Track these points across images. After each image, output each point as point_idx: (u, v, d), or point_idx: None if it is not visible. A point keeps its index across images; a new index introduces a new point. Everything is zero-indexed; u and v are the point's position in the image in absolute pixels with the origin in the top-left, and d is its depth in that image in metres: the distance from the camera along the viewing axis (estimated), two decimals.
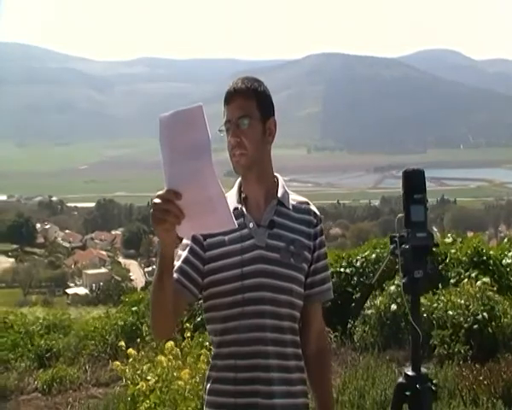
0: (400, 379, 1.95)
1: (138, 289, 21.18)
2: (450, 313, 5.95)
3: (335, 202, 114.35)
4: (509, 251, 7.53)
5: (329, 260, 7.58)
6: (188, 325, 4.42)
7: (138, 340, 5.51)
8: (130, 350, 3.90)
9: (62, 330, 8.85)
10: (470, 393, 4.57)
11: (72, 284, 57.78)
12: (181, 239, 1.79)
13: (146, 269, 60.51)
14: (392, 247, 1.94)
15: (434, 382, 1.90)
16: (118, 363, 3.88)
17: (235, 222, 1.50)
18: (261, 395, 1.75)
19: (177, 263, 1.81)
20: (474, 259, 7.16)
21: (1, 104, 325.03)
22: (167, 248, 1.57)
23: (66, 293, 50.39)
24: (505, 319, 5.82)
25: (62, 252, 73.86)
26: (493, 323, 5.76)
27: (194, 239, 1.82)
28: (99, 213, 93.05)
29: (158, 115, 1.44)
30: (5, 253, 71.81)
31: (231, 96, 1.82)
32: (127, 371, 3.73)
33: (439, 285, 6.59)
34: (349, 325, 6.94)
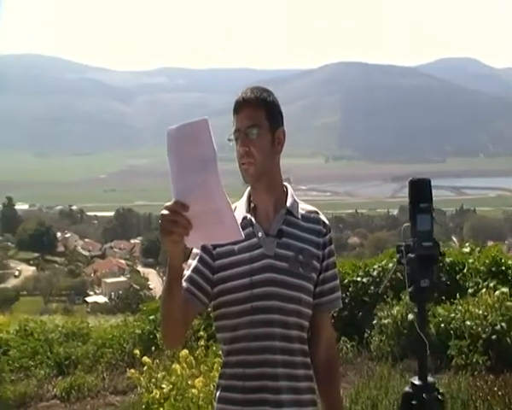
0: (407, 388, 1.94)
1: (157, 298, 21.26)
2: (468, 323, 5.90)
3: (354, 211, 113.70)
4: None
5: (346, 270, 7.56)
6: (202, 333, 4.44)
7: (153, 348, 5.53)
8: (145, 358, 3.94)
9: (81, 338, 8.91)
10: (484, 404, 4.51)
11: (91, 293, 58.14)
12: (190, 250, 1.83)
13: (164, 278, 60.51)
14: (398, 256, 1.94)
15: (441, 391, 1.89)
16: (133, 371, 3.91)
17: (242, 233, 1.52)
18: (269, 403, 1.76)
19: (187, 272, 1.83)
20: (493, 269, 7.08)
21: (20, 115, 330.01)
22: (176, 258, 1.59)
23: (86, 301, 50.75)
24: None
25: (82, 261, 74.46)
26: None
27: (203, 248, 1.84)
28: (118, 222, 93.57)
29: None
30: (27, 261, 72.63)
31: (240, 106, 1.84)
32: (142, 379, 3.76)
33: (457, 295, 6.54)
34: (366, 335, 6.91)
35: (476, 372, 5.22)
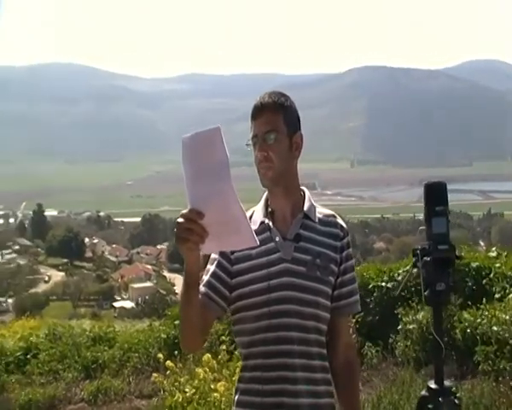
0: (423, 392, 1.93)
1: None
2: (495, 328, 5.79)
3: (379, 216, 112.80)
4: None
5: (371, 274, 7.49)
6: (224, 338, 4.47)
7: (176, 352, 5.57)
8: (169, 362, 3.98)
9: (107, 342, 9.02)
10: None
11: (118, 298, 58.77)
12: (208, 256, 1.85)
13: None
14: (414, 259, 1.94)
15: (458, 395, 1.88)
16: (156, 375, 3.96)
17: (257, 240, 1.53)
18: (287, 407, 1.77)
19: (205, 277, 1.86)
20: None
21: (51, 122, 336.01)
22: (192, 265, 1.61)
23: (114, 306, 51.31)
24: None
25: (109, 266, 75.31)
26: None
27: (221, 253, 1.86)
28: (145, 227, 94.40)
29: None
30: (56, 267, 73.87)
31: (258, 111, 1.85)
32: (165, 382, 3.80)
33: (483, 300, 6.45)
34: (390, 340, 6.85)
35: (501, 378, 5.13)
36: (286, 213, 1.89)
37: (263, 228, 1.88)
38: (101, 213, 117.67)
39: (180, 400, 3.57)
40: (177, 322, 8.40)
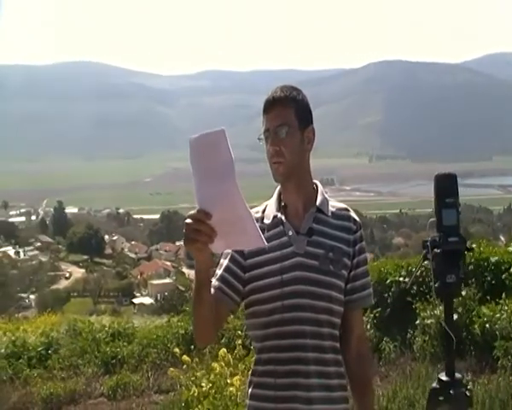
0: (434, 384, 1.93)
1: None
2: None
3: (398, 211, 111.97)
4: None
5: (388, 269, 7.43)
6: (239, 332, 4.49)
7: (193, 347, 5.62)
8: (185, 357, 4.01)
9: (126, 338, 9.12)
10: None
11: (138, 294, 59.16)
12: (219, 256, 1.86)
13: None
14: (424, 251, 1.93)
15: (469, 388, 1.87)
16: (172, 369, 3.99)
17: (265, 241, 1.54)
18: (300, 400, 1.78)
19: (219, 271, 1.87)
20: None
21: (70, 120, 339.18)
22: (202, 264, 1.62)
23: (133, 303, 51.68)
24: None
25: (129, 263, 75.82)
26: None
27: None
28: (163, 224, 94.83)
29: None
30: (77, 263, 74.65)
31: (270, 105, 1.85)
32: (182, 377, 3.84)
33: (503, 295, 6.38)
34: (408, 335, 6.82)
35: None
36: (298, 207, 1.90)
37: (276, 222, 1.88)
38: (121, 210, 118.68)
39: (196, 394, 3.61)
40: None
